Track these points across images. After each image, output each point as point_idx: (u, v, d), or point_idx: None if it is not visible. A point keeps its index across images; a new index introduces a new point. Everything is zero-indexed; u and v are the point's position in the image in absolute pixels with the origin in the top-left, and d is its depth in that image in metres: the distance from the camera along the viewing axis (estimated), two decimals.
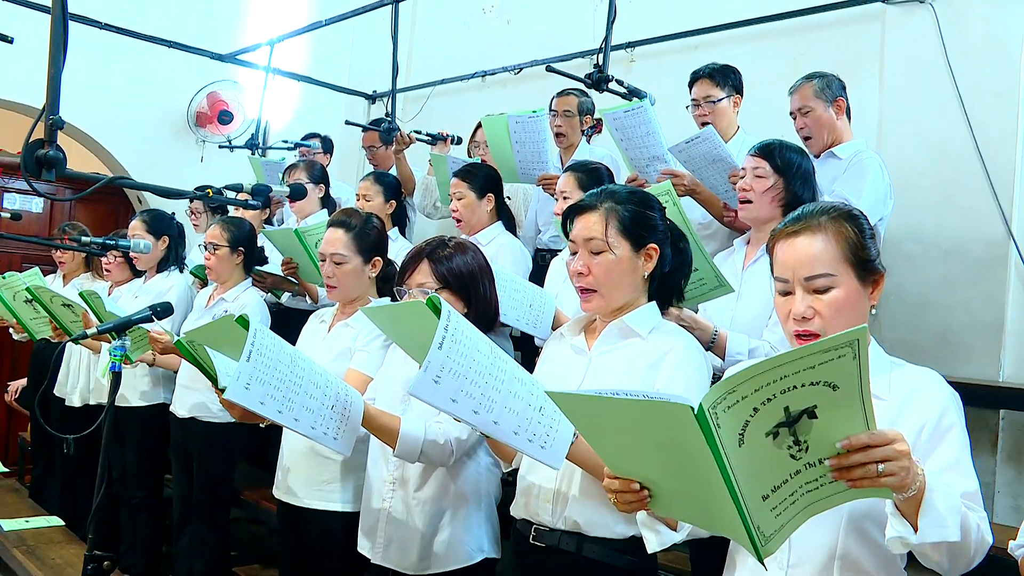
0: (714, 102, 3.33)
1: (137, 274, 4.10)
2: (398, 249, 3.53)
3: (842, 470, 1.15)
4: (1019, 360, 3.35)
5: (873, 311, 1.51)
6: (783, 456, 1.16)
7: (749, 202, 2.48)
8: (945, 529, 1.21)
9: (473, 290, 2.19)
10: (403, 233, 3.91)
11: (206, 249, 3.44)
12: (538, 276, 3.28)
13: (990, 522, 1.35)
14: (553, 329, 2.52)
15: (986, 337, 3.40)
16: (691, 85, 3.40)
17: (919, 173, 3.57)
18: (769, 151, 2.48)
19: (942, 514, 1.21)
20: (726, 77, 3.35)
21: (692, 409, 1.12)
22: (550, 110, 3.91)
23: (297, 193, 2.67)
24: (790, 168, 2.45)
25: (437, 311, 1.56)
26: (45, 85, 1.58)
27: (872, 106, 3.76)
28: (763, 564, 1.25)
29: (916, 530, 1.21)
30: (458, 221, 3.33)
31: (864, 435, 1.13)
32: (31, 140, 1.54)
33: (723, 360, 2.31)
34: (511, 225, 3.46)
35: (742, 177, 2.51)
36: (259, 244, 3.58)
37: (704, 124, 3.35)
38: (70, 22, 1.62)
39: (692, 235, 2.08)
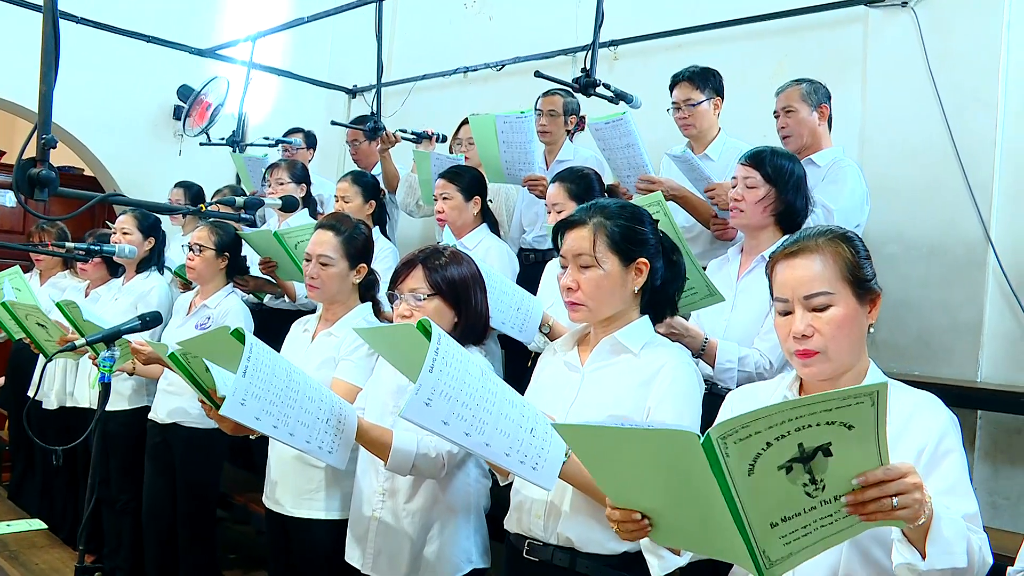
0: (694, 105, 3.33)
1: (114, 272, 4.05)
2: (380, 249, 3.53)
3: (857, 505, 1.16)
4: (997, 361, 3.41)
5: (871, 330, 1.54)
6: (797, 491, 1.17)
7: (741, 211, 2.48)
8: (952, 556, 1.23)
9: (464, 300, 2.20)
10: (384, 232, 3.89)
11: (191, 250, 3.40)
12: (522, 275, 3.29)
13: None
14: (541, 330, 2.53)
15: (965, 338, 3.46)
16: (671, 88, 3.41)
17: (900, 176, 3.61)
18: (760, 160, 2.47)
19: (950, 541, 1.22)
20: (706, 80, 3.35)
21: (698, 438, 1.14)
22: (535, 109, 3.91)
23: (289, 205, 2.65)
24: (781, 176, 2.45)
25: (428, 334, 1.57)
26: (36, 101, 1.55)
27: (855, 109, 3.79)
28: None
29: (924, 556, 1.22)
30: (442, 222, 3.32)
31: (880, 471, 1.14)
32: (23, 159, 1.52)
33: (712, 368, 2.33)
34: (495, 228, 3.46)
35: (734, 186, 2.51)
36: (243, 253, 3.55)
37: (685, 127, 3.38)
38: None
39: (683, 245, 2.09)
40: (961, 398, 3.22)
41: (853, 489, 1.16)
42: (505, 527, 1.95)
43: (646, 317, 1.89)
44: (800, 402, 1.10)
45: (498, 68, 5.28)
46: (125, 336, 2.54)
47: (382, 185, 4.09)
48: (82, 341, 2.33)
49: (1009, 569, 1.37)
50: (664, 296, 1.92)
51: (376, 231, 3.73)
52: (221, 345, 1.86)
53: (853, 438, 1.12)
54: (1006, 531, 2.79)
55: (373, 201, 3.79)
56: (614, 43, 4.72)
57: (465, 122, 4.13)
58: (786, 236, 2.42)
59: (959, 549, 1.24)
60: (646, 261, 1.84)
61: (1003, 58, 3.43)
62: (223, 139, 5.05)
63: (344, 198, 3.72)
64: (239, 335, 1.78)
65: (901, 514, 1.17)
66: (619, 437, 1.24)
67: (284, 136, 5.09)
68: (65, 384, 4.12)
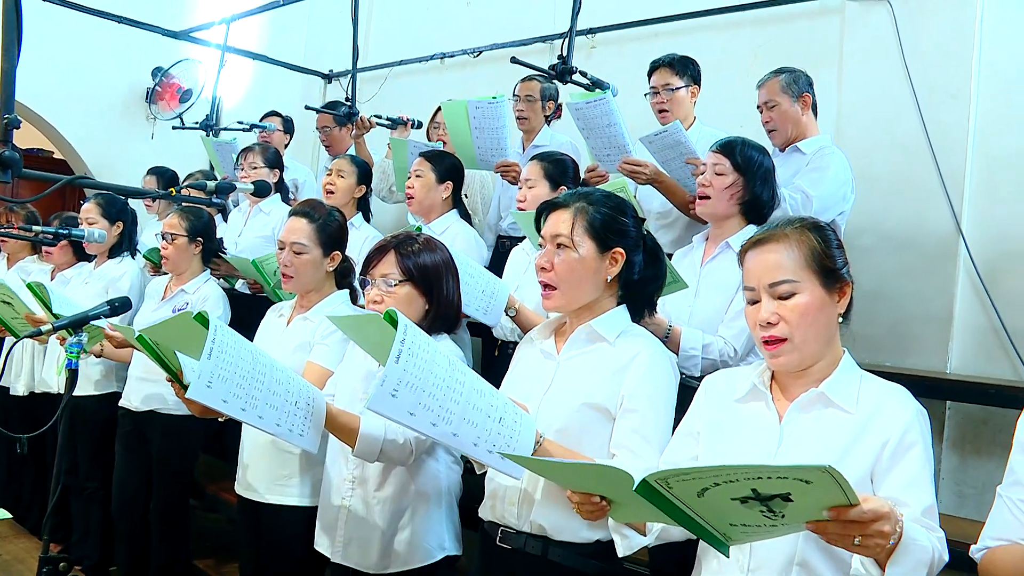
0: (673, 90, 3.35)
1: (81, 257, 3.99)
2: (363, 237, 3.51)
3: (819, 531, 1.17)
4: (966, 353, 3.45)
5: (842, 320, 1.54)
6: (755, 515, 1.16)
7: (707, 198, 2.50)
8: None
9: (436, 287, 2.18)
10: (368, 219, 3.86)
11: (163, 239, 3.35)
12: (498, 263, 3.28)
13: None
14: (507, 312, 2.53)
15: (935, 330, 3.50)
16: (650, 74, 3.42)
17: (875, 167, 3.63)
18: (731, 148, 2.50)
19: (910, 569, 1.23)
20: (685, 67, 3.38)
21: (632, 480, 1.19)
22: (513, 95, 3.91)
23: (261, 190, 2.61)
24: (750, 166, 2.47)
25: (394, 323, 1.55)
26: None
27: (831, 100, 3.80)
28: (727, 555, 1.30)
29: (883, 574, 1.23)
30: (410, 198, 3.29)
31: (853, 512, 1.13)
32: None
33: (677, 355, 2.34)
34: (465, 215, 3.45)
35: (702, 172, 2.53)
36: (218, 236, 3.51)
37: (662, 112, 3.39)
38: None
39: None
40: (930, 389, 3.25)
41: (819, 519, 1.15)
42: (479, 515, 1.95)
43: (623, 307, 1.89)
44: (748, 468, 1.09)
45: (475, 55, 5.26)
46: (94, 322, 2.50)
47: (374, 175, 4.05)
48: (48, 327, 2.28)
49: (972, 547, 1.39)
50: (642, 293, 1.92)
51: (360, 217, 3.72)
52: (185, 330, 1.83)
53: (814, 489, 1.09)
54: (972, 520, 2.82)
55: (364, 186, 3.76)
56: (592, 31, 4.72)
57: (441, 107, 4.10)
58: (750, 226, 2.46)
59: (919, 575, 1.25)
60: (622, 251, 1.84)
61: (976, 52, 3.46)
62: (196, 123, 4.99)
63: (340, 171, 3.68)
64: (202, 319, 1.76)
65: (861, 551, 1.19)
66: (561, 468, 1.38)
67: (261, 120, 5.04)
68: (34, 370, 4.06)
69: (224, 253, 3.57)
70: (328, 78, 6.44)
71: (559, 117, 4.03)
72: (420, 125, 4.31)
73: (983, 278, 3.40)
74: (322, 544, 2.25)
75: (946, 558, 1.32)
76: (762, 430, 1.52)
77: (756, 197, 2.48)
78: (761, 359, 1.59)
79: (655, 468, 1.23)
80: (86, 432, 3.64)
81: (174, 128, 5.01)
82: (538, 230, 1.92)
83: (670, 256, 2.62)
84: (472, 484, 2.07)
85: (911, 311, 3.53)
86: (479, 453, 1.58)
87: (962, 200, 3.47)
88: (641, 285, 1.90)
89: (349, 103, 4.20)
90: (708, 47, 4.10)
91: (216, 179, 3.69)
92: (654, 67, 3.41)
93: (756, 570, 1.45)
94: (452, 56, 5.46)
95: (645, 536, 1.52)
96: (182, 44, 5.42)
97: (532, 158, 2.99)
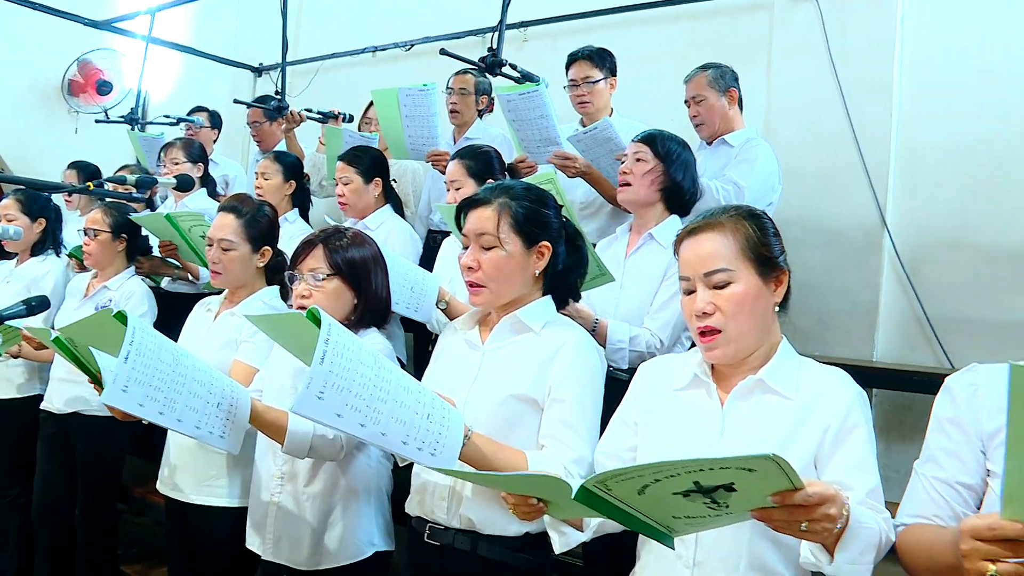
0: (593, 82, 3.38)
1: (3, 255, 3.84)
2: (295, 232, 3.44)
3: (765, 518, 1.15)
4: (890, 342, 3.55)
5: (778, 309, 1.54)
6: (699, 507, 1.14)
7: (628, 184, 2.54)
8: (857, 567, 1.23)
9: (365, 282, 2.17)
10: (305, 216, 3.80)
11: (86, 234, 3.25)
12: (429, 257, 3.25)
13: None
14: (438, 306, 2.51)
15: (862, 319, 3.59)
16: (568, 66, 3.45)
17: (803, 162, 3.71)
18: (651, 139, 2.55)
19: (859, 553, 1.22)
20: (603, 59, 3.42)
21: (569, 488, 1.18)
22: (447, 88, 3.90)
23: (184, 184, 2.54)
24: (670, 154, 2.52)
25: (317, 322, 1.52)
26: None
27: (760, 95, 3.88)
28: (672, 547, 1.28)
29: (832, 559, 1.23)
30: (344, 206, 3.27)
31: (798, 495, 1.11)
32: None
33: (604, 348, 2.35)
34: (399, 208, 3.42)
35: (623, 162, 2.56)
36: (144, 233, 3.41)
37: (582, 103, 3.42)
38: None
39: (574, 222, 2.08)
40: (857, 377, 3.27)
41: (764, 506, 1.13)
42: (406, 510, 1.92)
43: (548, 297, 1.88)
44: (688, 462, 1.06)
45: (407, 48, 5.21)
46: (9, 322, 2.41)
47: (306, 168, 3.98)
48: None
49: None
50: (565, 283, 1.91)
51: (296, 213, 3.66)
52: (105, 328, 1.78)
53: (757, 476, 1.08)
54: (896, 503, 2.90)
55: (293, 182, 3.69)
56: (524, 24, 4.73)
57: (372, 103, 4.06)
58: (674, 216, 2.49)
59: (867, 559, 1.24)
60: (548, 244, 1.83)
61: (898, 50, 3.57)
62: (122, 117, 4.85)
63: (264, 174, 3.63)
64: (122, 317, 1.70)
65: (808, 536, 1.17)
66: (496, 479, 1.40)
67: (188, 115, 4.91)
68: None
69: (151, 252, 3.47)
70: (258, 71, 6.32)
71: (491, 111, 4.02)
72: (352, 119, 4.26)
73: (906, 268, 3.49)
74: (253, 542, 2.21)
75: (893, 538, 1.32)
76: (704, 419, 1.51)
77: (676, 184, 2.52)
78: (688, 348, 1.60)
79: (591, 471, 1.21)
80: (7, 436, 3.50)
81: (97, 121, 4.85)
82: (459, 227, 1.89)
83: (594, 246, 2.64)
84: (403, 479, 2.05)
85: (838, 301, 3.62)
86: (409, 451, 1.55)
87: (886, 193, 3.56)
88: (564, 275, 1.89)
89: (279, 97, 4.12)
90: (640, 42, 4.15)
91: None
92: (572, 59, 3.44)
93: (702, 563, 1.44)
94: (384, 49, 5.41)
95: (583, 532, 1.50)
96: (104, 34, 5.24)
97: (454, 156, 2.95)
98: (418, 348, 3.48)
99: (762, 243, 1.50)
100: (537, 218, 1.82)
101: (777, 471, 1.05)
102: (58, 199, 4.12)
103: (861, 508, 1.27)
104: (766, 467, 1.04)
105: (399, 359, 2.86)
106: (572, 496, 1.17)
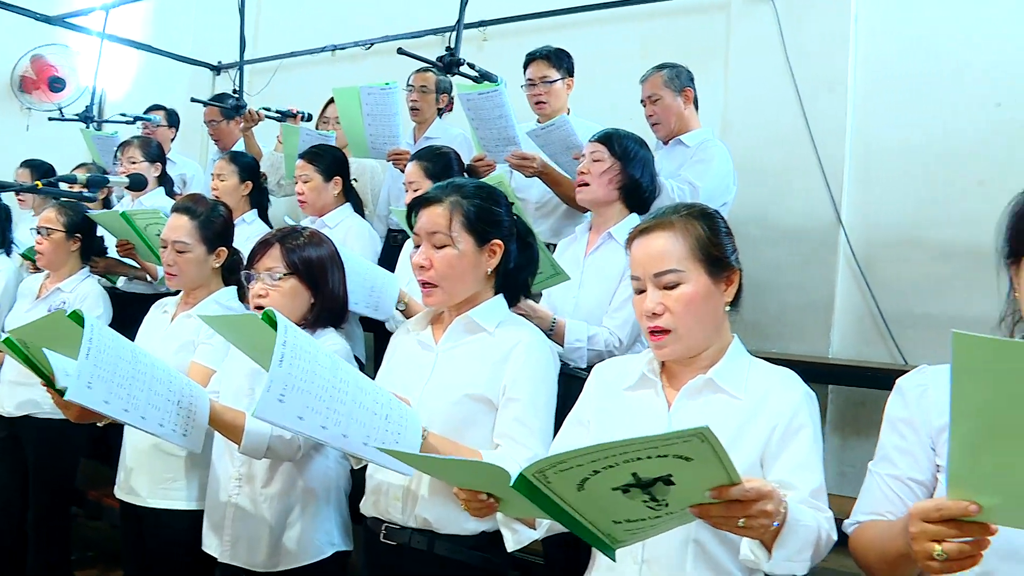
0: (550, 83, 3.40)
1: None
2: (253, 232, 3.40)
3: (703, 515, 1.16)
4: (845, 338, 3.60)
5: (728, 308, 1.54)
6: (638, 505, 1.15)
7: (586, 184, 2.55)
8: (794, 564, 1.25)
9: (322, 281, 2.16)
10: (263, 216, 3.76)
11: (39, 233, 3.19)
12: (389, 256, 3.24)
13: None
14: (397, 307, 2.51)
15: (817, 317, 3.64)
16: (526, 66, 3.47)
17: (760, 160, 3.75)
18: (608, 138, 2.56)
19: (796, 550, 1.24)
20: (561, 59, 3.44)
21: (508, 476, 1.18)
22: (407, 85, 3.89)
23: (137, 184, 2.51)
24: (627, 152, 2.53)
25: (273, 324, 1.51)
26: None
27: (717, 95, 3.91)
28: (614, 559, 1.29)
29: (770, 556, 1.24)
30: (303, 203, 3.24)
31: (735, 490, 1.11)
32: None
33: (563, 347, 2.36)
34: (359, 207, 3.41)
35: (581, 162, 2.57)
36: (99, 234, 3.36)
37: (539, 103, 3.44)
38: None
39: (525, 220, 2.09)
40: (813, 373, 3.31)
41: (702, 502, 1.14)
42: (362, 511, 1.92)
43: (500, 296, 1.88)
44: (623, 443, 1.06)
45: (367, 47, 5.18)
46: None
47: (263, 168, 3.95)
48: None
49: (845, 521, 1.42)
50: (519, 280, 1.92)
51: (254, 214, 3.62)
52: (59, 330, 1.76)
53: (694, 467, 1.07)
54: (853, 498, 2.94)
55: (250, 182, 3.64)
56: (483, 23, 4.73)
57: (332, 101, 4.03)
58: (633, 215, 2.51)
59: (803, 557, 1.26)
60: (500, 242, 1.83)
61: (852, 49, 3.63)
62: (76, 115, 4.76)
63: (219, 175, 3.58)
64: (77, 317, 1.68)
65: (746, 532, 1.18)
66: (442, 465, 1.45)
67: (145, 113, 4.83)
68: None
69: (105, 253, 3.42)
70: (217, 70, 6.24)
71: (451, 110, 4.02)
72: (310, 118, 4.23)
73: (861, 265, 3.55)
74: (210, 544, 2.19)
75: (835, 537, 1.34)
76: (651, 418, 1.51)
77: (635, 181, 2.53)
78: (647, 347, 1.60)
79: (533, 459, 1.22)
80: None
81: (50, 119, 4.76)
82: (410, 226, 1.88)
83: (553, 247, 2.65)
84: (361, 479, 2.04)
85: (794, 299, 3.66)
86: (369, 452, 1.55)
87: (841, 191, 3.62)
88: (516, 272, 1.89)
89: (237, 95, 4.08)
90: (597, 41, 4.17)
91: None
92: (530, 59, 3.46)
93: (650, 560, 1.45)
94: (343, 48, 5.38)
95: (535, 530, 1.51)
96: (58, 30, 5.14)
97: (412, 157, 2.94)
98: (378, 348, 3.46)
99: (713, 243, 1.50)
100: (489, 216, 1.82)
101: (711, 455, 1.05)
102: (10, 199, 4.04)
103: (801, 507, 1.29)
104: (700, 451, 1.04)
105: (358, 359, 2.84)
106: (511, 484, 1.17)
